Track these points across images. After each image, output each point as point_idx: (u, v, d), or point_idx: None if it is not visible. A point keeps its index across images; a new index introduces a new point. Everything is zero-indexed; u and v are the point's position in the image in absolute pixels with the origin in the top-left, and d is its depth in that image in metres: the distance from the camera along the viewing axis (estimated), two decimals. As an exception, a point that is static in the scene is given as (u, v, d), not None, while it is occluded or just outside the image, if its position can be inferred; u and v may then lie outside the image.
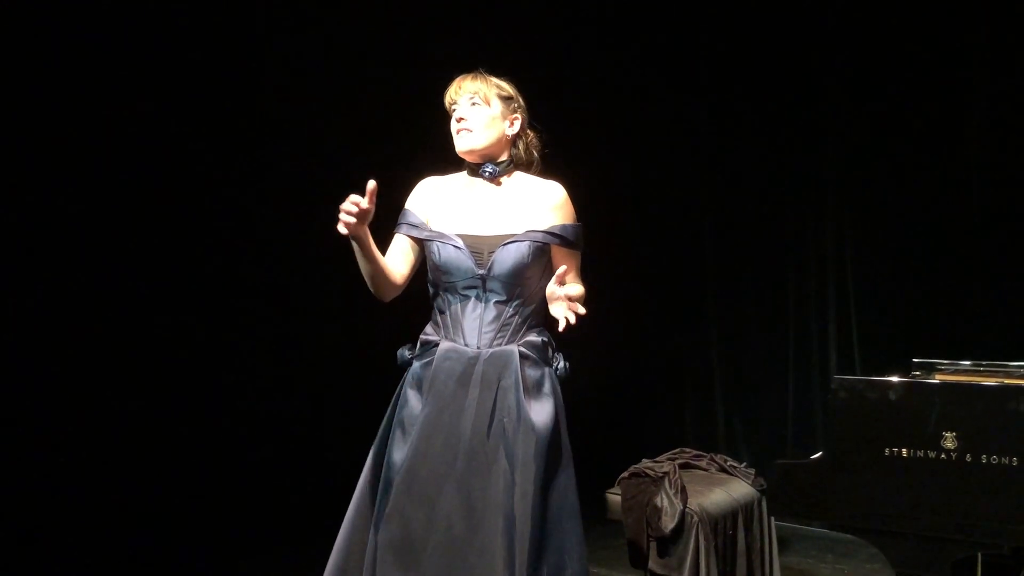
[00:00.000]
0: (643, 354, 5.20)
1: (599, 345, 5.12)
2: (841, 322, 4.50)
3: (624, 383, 5.23)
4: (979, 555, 2.83)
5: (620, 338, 5.19)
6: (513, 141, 2.44)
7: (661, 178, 5.13)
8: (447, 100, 2.42)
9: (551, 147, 2.51)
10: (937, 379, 2.83)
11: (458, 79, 2.42)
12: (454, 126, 2.39)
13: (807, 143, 4.59)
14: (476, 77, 2.41)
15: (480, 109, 2.37)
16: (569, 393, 2.42)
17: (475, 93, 2.38)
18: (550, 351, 2.40)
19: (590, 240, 2.45)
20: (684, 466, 3.43)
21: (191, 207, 3.98)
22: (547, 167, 2.51)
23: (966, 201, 4.10)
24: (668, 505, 3.08)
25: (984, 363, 2.99)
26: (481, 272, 2.31)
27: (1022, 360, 2.96)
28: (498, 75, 2.45)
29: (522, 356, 2.31)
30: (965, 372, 3.02)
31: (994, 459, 2.40)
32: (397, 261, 2.41)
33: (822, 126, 4.52)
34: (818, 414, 4.53)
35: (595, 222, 4.79)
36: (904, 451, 2.51)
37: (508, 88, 2.44)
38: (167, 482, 3.88)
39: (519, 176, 2.44)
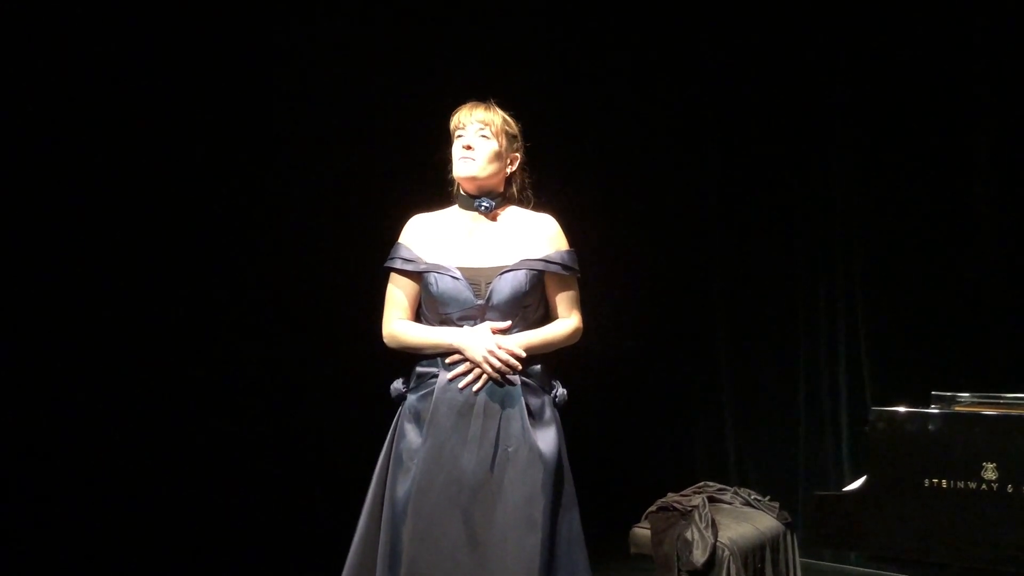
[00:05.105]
0: (649, 388, 5.19)
1: (605, 380, 5.13)
2: (850, 355, 4.51)
3: (632, 418, 5.22)
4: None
5: (626, 372, 5.18)
6: (509, 179, 2.47)
7: (669, 207, 5.16)
8: (454, 122, 2.44)
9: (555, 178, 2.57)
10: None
11: (469, 105, 2.45)
12: (458, 151, 2.41)
13: (817, 171, 4.62)
14: (489, 108, 2.44)
15: (488, 143, 2.40)
16: (577, 428, 2.47)
17: (486, 125, 2.40)
18: (549, 379, 2.41)
19: (599, 273, 2.50)
20: (709, 500, 3.42)
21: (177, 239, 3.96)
22: (545, 199, 2.56)
23: (976, 233, 4.13)
24: (699, 538, 3.07)
25: (1010, 395, 3.00)
26: (480, 302, 2.32)
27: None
28: (505, 108, 2.48)
29: (523, 384, 2.32)
30: (983, 405, 3.03)
31: (1036, 490, 2.42)
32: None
33: (832, 154, 4.55)
34: (830, 446, 4.53)
35: (602, 253, 4.87)
36: (944, 482, 2.52)
37: (514, 126, 2.48)
38: (156, 514, 3.82)
39: (511, 210, 2.48)
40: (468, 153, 2.39)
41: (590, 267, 2.53)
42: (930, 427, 2.56)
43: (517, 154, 2.47)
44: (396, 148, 4.08)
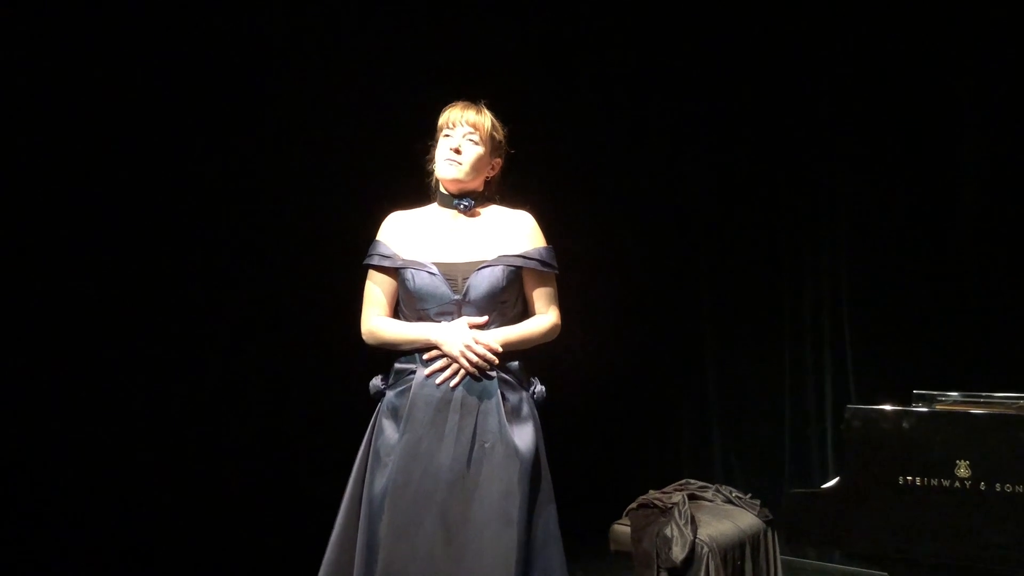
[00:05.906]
0: (636, 386, 5.21)
1: (590, 378, 5.14)
2: (835, 353, 4.53)
3: (617, 415, 5.23)
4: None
5: (612, 371, 5.19)
6: (489, 181, 2.50)
7: (656, 206, 5.17)
8: (442, 120, 2.45)
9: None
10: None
11: (460, 105, 2.46)
12: (443, 152, 2.42)
13: (802, 172, 4.64)
14: (479, 111, 2.45)
15: (475, 148, 2.41)
16: (561, 426, 2.48)
17: (475, 130, 2.42)
18: (527, 375, 2.43)
19: (586, 271, 2.50)
20: (690, 497, 3.44)
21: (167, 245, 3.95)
22: (527, 198, 2.59)
23: (961, 234, 4.15)
24: (678, 535, 3.08)
25: (997, 395, 3.01)
26: (456, 297, 2.34)
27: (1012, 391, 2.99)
28: (490, 108, 2.49)
29: (500, 380, 2.33)
30: (964, 404, 3.05)
31: (1008, 487, 2.43)
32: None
33: (818, 156, 4.58)
34: (814, 444, 4.56)
35: (589, 253, 4.89)
36: (918, 480, 2.54)
37: (501, 132, 2.49)
38: (131, 517, 3.79)
39: (489, 207, 2.50)
40: (454, 156, 2.40)
41: (574, 266, 2.57)
42: (904, 425, 2.57)
43: (500, 160, 2.49)
44: (376, 146, 4.07)
